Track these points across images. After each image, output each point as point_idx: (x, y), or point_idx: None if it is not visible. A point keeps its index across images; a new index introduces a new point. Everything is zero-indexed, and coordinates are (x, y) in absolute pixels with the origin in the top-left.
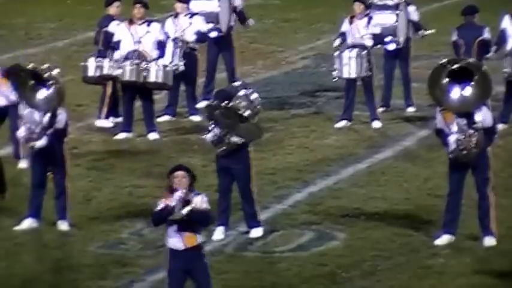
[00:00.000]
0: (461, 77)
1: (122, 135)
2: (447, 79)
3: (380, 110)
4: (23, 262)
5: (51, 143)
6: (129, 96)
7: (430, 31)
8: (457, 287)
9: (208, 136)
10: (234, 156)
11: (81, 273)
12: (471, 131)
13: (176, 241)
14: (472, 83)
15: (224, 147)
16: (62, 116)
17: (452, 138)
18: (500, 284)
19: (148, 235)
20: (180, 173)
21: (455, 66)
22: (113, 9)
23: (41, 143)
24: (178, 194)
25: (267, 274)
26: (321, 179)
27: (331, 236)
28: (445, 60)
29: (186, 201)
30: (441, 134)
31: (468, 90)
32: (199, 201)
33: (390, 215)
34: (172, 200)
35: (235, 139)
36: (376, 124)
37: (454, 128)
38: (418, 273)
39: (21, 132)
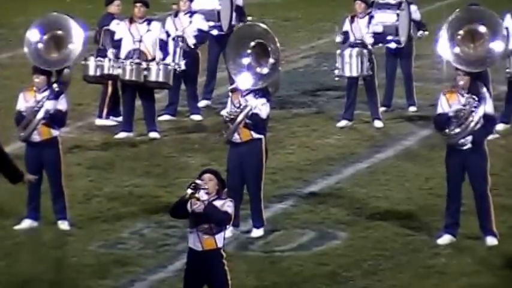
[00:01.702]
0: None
1: (122, 135)
2: (460, 35)
3: (381, 109)
4: (23, 261)
5: (49, 119)
6: (130, 95)
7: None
8: (459, 286)
9: (224, 111)
10: (247, 150)
11: (82, 272)
12: (472, 100)
13: (195, 241)
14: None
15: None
16: (64, 100)
17: (452, 111)
18: (501, 284)
19: (148, 234)
20: (206, 175)
21: (466, 27)
22: (113, 8)
23: (45, 110)
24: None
25: (268, 273)
26: (322, 178)
27: (333, 235)
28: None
29: (195, 187)
30: (442, 117)
31: (480, 47)
32: (220, 204)
33: (391, 214)
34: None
35: (252, 103)
36: (378, 124)
37: (456, 107)
38: (420, 273)
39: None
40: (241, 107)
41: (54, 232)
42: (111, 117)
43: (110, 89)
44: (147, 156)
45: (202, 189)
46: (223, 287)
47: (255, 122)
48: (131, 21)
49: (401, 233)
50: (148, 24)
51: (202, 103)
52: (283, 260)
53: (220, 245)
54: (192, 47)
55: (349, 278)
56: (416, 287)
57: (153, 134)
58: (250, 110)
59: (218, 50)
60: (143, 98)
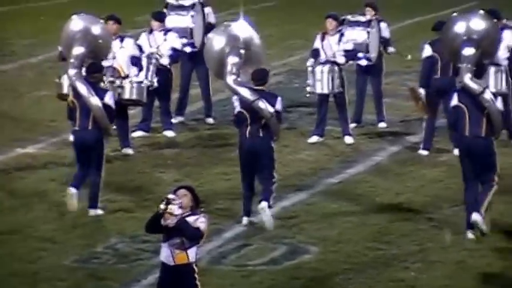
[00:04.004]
0: None
1: None
2: None
3: (352, 125)
4: None
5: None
6: None
7: (408, 57)
8: None
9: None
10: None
11: (56, 286)
12: None
13: (167, 256)
14: None
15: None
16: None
17: None
18: None
19: (122, 249)
20: (181, 191)
21: None
22: None
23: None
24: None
25: (241, 287)
26: (294, 193)
27: (304, 249)
28: None
29: (167, 202)
30: None
31: None
32: (193, 220)
33: (362, 229)
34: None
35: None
36: (348, 139)
37: None
38: (390, 286)
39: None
40: None
41: (29, 246)
42: None
43: None
44: (121, 171)
45: (175, 203)
46: None
47: None
48: None
49: (371, 247)
50: (121, 41)
51: (175, 119)
52: (256, 274)
53: (192, 259)
54: (165, 64)
55: None
56: None
57: (127, 150)
58: None
59: (191, 66)
60: (117, 115)
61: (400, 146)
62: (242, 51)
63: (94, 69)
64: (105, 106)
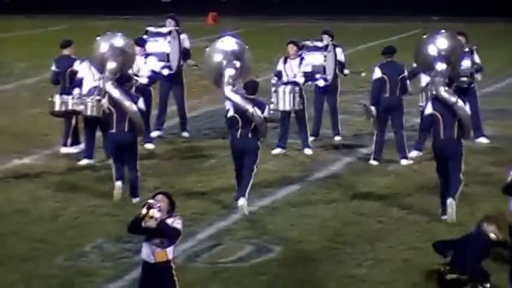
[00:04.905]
0: None
1: (84, 161)
2: None
3: (311, 138)
4: None
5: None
6: (91, 127)
7: (362, 73)
8: None
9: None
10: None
11: (49, 283)
12: None
13: (148, 254)
14: None
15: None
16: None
17: None
18: None
19: (108, 249)
20: (159, 196)
21: None
22: (70, 50)
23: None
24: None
25: (212, 283)
26: (259, 199)
27: (268, 249)
28: None
29: (148, 206)
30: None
31: None
32: (171, 222)
33: (320, 230)
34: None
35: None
36: (308, 151)
37: None
38: (343, 282)
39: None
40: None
41: (25, 246)
42: (74, 145)
43: (74, 121)
44: (107, 180)
45: (155, 207)
46: None
47: None
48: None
49: (328, 246)
50: None
51: (154, 133)
52: (226, 271)
53: (170, 257)
54: (145, 83)
55: (283, 286)
56: None
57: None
58: None
59: (168, 87)
60: (103, 130)
61: (354, 157)
62: (238, 63)
63: (126, 79)
64: (139, 110)
